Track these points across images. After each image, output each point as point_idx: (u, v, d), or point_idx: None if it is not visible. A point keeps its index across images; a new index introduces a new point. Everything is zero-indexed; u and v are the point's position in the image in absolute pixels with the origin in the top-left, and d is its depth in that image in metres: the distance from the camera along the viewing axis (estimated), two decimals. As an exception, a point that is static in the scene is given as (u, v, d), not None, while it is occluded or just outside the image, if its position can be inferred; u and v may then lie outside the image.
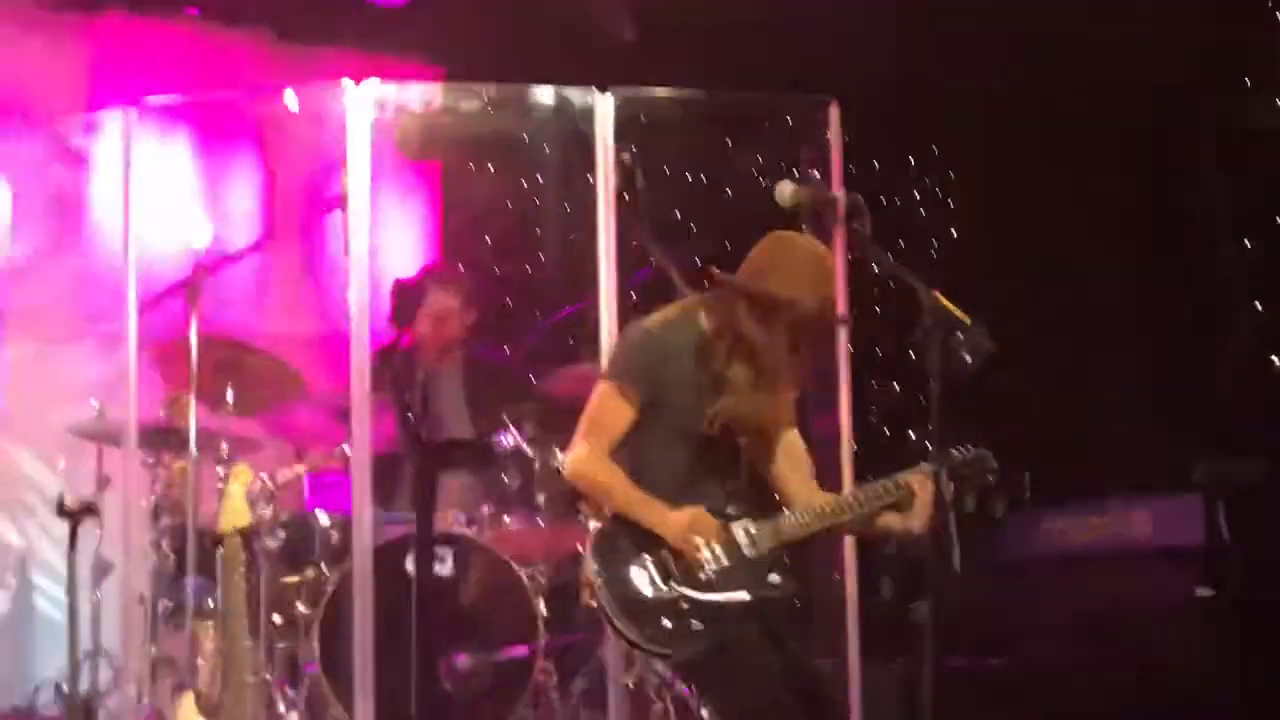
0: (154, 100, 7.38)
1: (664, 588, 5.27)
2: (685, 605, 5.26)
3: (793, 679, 5.35)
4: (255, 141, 9.27)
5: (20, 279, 8.74)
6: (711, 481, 5.45)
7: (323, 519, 7.33)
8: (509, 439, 7.38)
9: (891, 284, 5.00)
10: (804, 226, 6.11)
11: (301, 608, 7.16)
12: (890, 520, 5.49)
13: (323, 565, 7.19)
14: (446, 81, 8.46)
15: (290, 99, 7.22)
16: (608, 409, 5.44)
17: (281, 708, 6.95)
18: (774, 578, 5.38)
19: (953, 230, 9.65)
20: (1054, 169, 9.33)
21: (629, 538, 5.35)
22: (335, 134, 6.89)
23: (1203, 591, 7.89)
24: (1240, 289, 8.85)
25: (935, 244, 9.43)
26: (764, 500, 5.53)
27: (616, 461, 5.46)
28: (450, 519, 7.21)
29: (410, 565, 6.60)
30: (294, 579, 7.25)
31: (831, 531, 5.58)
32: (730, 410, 5.42)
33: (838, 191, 5.65)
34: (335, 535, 7.23)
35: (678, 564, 5.29)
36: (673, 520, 5.30)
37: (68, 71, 8.90)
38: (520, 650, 6.98)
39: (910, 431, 8.45)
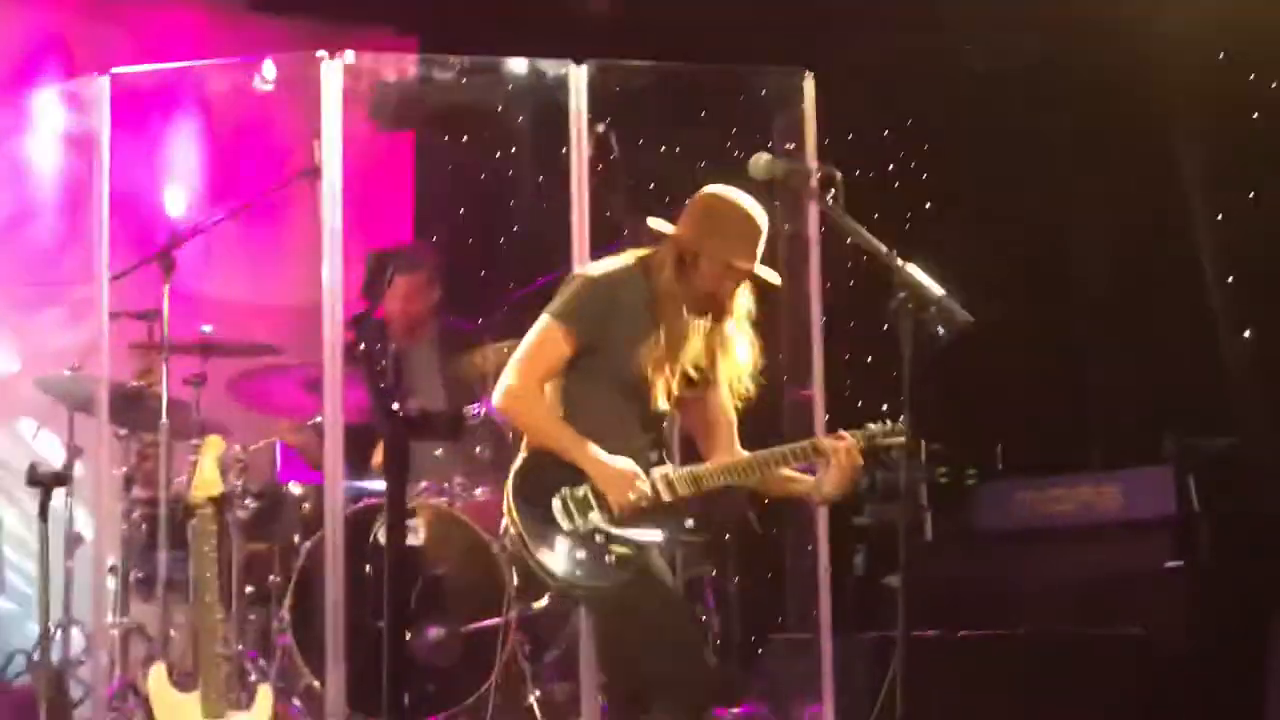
0: (127, 70, 7.35)
1: (581, 521, 5.37)
2: (601, 539, 5.37)
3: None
4: (229, 112, 9.23)
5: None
6: (635, 427, 5.51)
7: (295, 489, 7.33)
8: (480, 410, 7.38)
9: (865, 256, 4.99)
10: (777, 200, 6.13)
11: (273, 578, 7.17)
12: (804, 483, 5.61)
13: (294, 535, 7.18)
14: (420, 52, 8.45)
15: (265, 69, 7.20)
16: (546, 346, 5.50)
17: (253, 678, 6.95)
18: (689, 523, 5.49)
19: (927, 203, 9.66)
20: (1030, 143, 9.34)
21: (549, 471, 5.43)
22: (309, 104, 6.88)
23: (1173, 563, 7.94)
24: (1215, 264, 8.87)
25: (909, 217, 9.43)
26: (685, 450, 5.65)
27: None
28: (422, 489, 7.22)
29: (381, 535, 6.64)
30: (265, 548, 7.25)
31: (748, 484, 5.66)
32: (651, 359, 5.49)
33: (812, 163, 5.67)
34: (307, 506, 7.22)
35: (598, 500, 5.38)
36: (603, 464, 5.38)
37: (41, 41, 8.86)
38: (491, 621, 6.98)
39: (883, 404, 8.45)
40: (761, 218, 5.53)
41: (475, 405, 7.39)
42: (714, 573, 7.99)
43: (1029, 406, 9.18)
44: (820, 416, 7.04)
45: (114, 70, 7.19)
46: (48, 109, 8.50)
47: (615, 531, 5.36)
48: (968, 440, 8.64)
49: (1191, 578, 7.92)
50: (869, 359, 8.53)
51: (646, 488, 5.39)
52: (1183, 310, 8.94)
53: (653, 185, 7.76)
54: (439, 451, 7.50)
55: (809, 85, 7.21)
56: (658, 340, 5.49)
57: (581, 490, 5.39)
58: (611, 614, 5.51)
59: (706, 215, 5.53)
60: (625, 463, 5.40)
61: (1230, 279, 8.79)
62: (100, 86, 7.17)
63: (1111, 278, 9.42)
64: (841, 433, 5.50)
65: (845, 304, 8.06)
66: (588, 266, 5.73)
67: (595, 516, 5.37)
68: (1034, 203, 9.39)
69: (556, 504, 5.39)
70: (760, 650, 8.53)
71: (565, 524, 5.37)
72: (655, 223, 5.58)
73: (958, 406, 8.19)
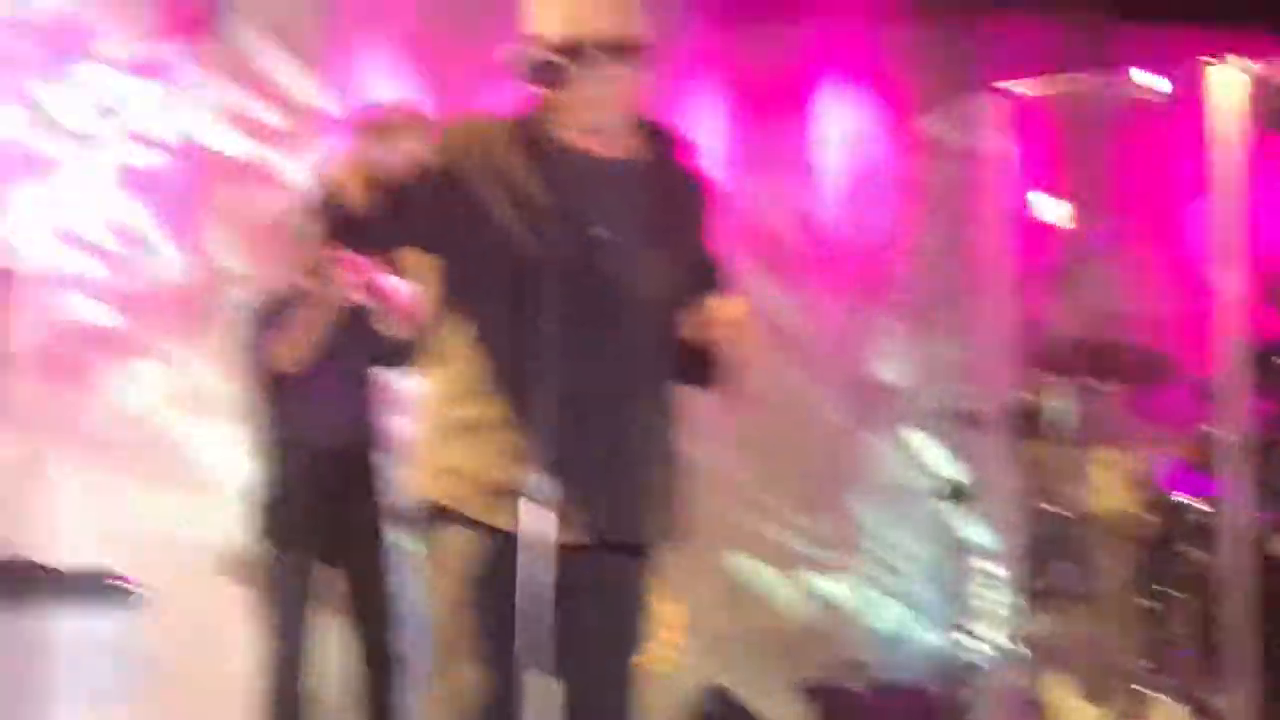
0: (1004, 86, 7.49)
1: None
2: None
3: None
4: (1111, 126, 9.22)
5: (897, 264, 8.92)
6: None
7: (1187, 502, 7.26)
8: None
9: None
10: None
11: (1173, 592, 7.13)
12: None
13: (1192, 550, 7.12)
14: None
15: (1146, 80, 7.20)
16: None
17: (1149, 691, 6.94)
18: None
19: None
20: None
21: None
22: (1194, 115, 6.83)
23: None
24: None
25: None
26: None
27: None
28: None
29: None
30: (1163, 561, 7.23)
31: None
32: None
33: None
34: (1205, 519, 7.14)
35: None
36: None
37: (927, 62, 9.06)
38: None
39: None
40: None
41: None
42: None
43: None
44: None
45: (992, 88, 7.34)
46: (938, 129, 8.74)
47: None
48: None
49: None
50: None
51: None
52: None
53: None
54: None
55: None
56: None
57: None
58: None
59: None
60: None
61: None
62: (979, 104, 7.35)
63: None
64: None
65: None
66: None
67: None
68: None
69: None
70: None
71: None
72: None
73: None
